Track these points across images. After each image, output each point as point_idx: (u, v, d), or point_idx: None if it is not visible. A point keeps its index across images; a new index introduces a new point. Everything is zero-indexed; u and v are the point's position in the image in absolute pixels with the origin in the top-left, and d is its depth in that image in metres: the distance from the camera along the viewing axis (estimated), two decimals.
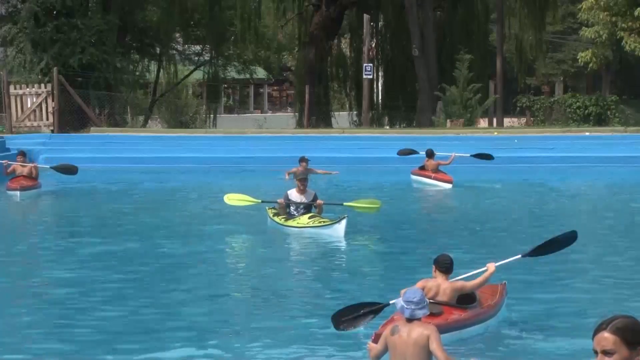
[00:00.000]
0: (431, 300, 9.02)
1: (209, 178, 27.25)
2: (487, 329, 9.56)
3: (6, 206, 20.96)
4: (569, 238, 9.59)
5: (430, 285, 9.36)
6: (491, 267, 9.74)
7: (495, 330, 9.62)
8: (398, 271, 12.89)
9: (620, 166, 28.90)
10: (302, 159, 25.78)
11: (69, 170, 23.78)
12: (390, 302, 9.06)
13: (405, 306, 7.75)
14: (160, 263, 13.43)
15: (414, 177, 26.03)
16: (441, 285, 9.39)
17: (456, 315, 9.26)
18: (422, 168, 25.71)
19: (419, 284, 9.21)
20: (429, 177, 25.26)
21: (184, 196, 23.07)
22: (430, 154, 25.59)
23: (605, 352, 3.92)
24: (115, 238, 15.65)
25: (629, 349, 3.92)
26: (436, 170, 25.33)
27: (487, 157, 26.29)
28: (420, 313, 7.76)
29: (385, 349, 7.82)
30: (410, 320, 7.74)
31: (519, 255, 9.82)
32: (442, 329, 8.24)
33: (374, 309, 9.11)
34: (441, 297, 9.34)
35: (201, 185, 25.56)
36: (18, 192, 21.49)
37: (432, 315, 8.72)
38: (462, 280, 9.68)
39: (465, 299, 9.58)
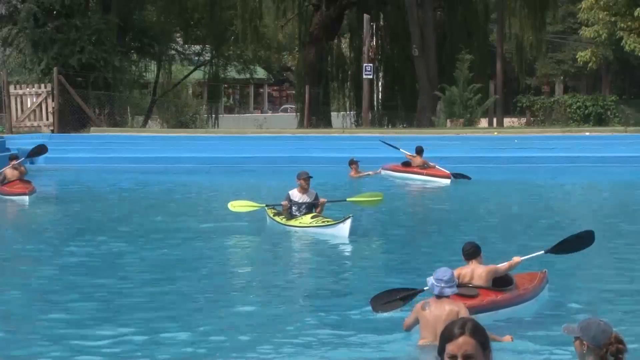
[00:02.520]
0: (469, 285, 9.72)
1: (209, 178, 27.23)
2: (526, 312, 10.02)
3: (9, 211, 20.22)
4: (586, 238, 9.97)
5: (465, 271, 9.89)
6: (516, 258, 10.31)
7: (535, 314, 10.09)
8: (405, 270, 12.83)
9: (620, 166, 28.88)
10: (352, 162, 25.94)
11: (40, 151, 23.74)
12: (425, 288, 9.49)
13: (435, 284, 8.40)
14: (161, 264, 13.40)
15: (392, 172, 26.13)
16: (475, 270, 9.95)
17: (492, 297, 9.75)
18: (406, 164, 25.88)
19: (455, 272, 9.68)
20: (421, 174, 25.41)
21: (184, 196, 23.03)
22: (420, 151, 25.78)
23: (467, 357, 3.82)
24: (115, 239, 15.60)
25: (483, 352, 3.86)
26: (423, 167, 25.52)
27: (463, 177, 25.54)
28: (449, 291, 8.41)
29: (416, 322, 8.42)
30: (439, 297, 8.36)
31: (542, 251, 10.34)
32: (478, 310, 8.89)
33: (409, 294, 9.74)
34: (476, 281, 9.87)
35: (201, 186, 25.54)
36: (27, 197, 20.36)
37: (468, 297, 9.34)
38: (497, 267, 10.20)
39: (502, 282, 10.11)
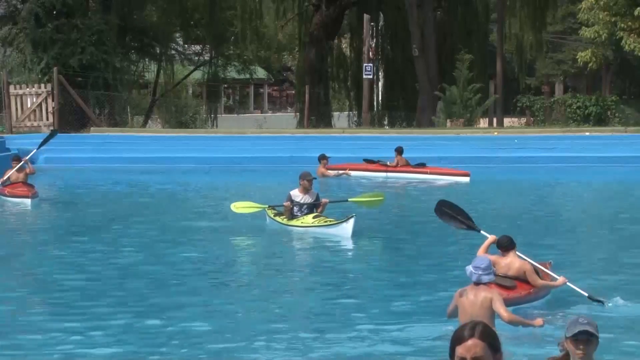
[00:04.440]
0: (504, 275, 10.27)
1: (209, 178, 27.23)
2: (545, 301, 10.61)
3: (11, 212, 19.90)
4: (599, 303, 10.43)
5: (502, 262, 10.45)
6: (562, 279, 10.71)
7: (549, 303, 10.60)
8: (409, 269, 12.82)
9: (620, 166, 28.89)
10: (323, 157, 26.06)
11: (50, 137, 23.56)
12: (481, 231, 11.14)
13: (473, 271, 8.78)
14: (162, 264, 13.39)
15: (371, 173, 26.33)
16: (511, 262, 10.52)
17: (528, 289, 10.33)
18: (384, 164, 26.13)
19: (492, 257, 10.24)
20: (423, 173, 25.60)
21: (184, 196, 23.04)
22: (401, 151, 25.98)
23: (476, 359, 3.87)
24: (115, 239, 15.61)
25: (493, 354, 3.91)
26: (406, 166, 25.77)
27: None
28: (486, 278, 8.79)
29: (456, 309, 8.79)
30: (477, 284, 8.74)
31: (587, 294, 10.63)
32: (517, 301, 9.59)
33: (468, 224, 11.30)
34: (512, 273, 10.48)
35: (201, 186, 25.54)
36: (29, 200, 20.01)
37: (506, 288, 9.96)
38: (534, 272, 10.60)
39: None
